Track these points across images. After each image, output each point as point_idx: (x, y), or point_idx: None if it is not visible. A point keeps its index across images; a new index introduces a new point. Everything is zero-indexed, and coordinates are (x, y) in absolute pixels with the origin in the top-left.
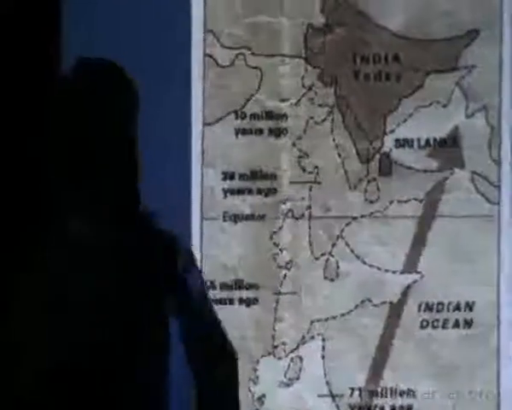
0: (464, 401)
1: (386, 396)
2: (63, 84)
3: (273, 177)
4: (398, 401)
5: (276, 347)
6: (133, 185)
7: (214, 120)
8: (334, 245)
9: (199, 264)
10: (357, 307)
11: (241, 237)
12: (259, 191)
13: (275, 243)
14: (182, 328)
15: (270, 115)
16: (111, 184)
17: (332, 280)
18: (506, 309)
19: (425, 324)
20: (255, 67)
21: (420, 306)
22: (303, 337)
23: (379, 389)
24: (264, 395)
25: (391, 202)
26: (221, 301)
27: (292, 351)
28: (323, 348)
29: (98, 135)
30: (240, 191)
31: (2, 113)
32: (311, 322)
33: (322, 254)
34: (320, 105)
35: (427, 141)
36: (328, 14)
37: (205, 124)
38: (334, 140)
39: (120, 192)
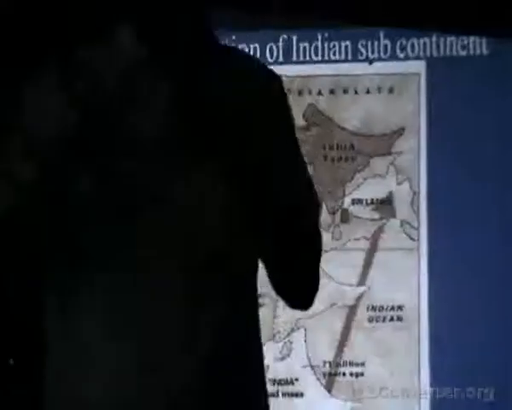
0: (398, 371)
1: (346, 366)
2: None
3: None
4: (354, 369)
5: (274, 335)
6: None
7: None
8: None
9: None
10: (327, 309)
11: None
12: None
13: None
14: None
15: None
16: None
17: None
18: (424, 310)
19: (371, 319)
20: None
21: (368, 307)
22: (292, 329)
23: (341, 362)
24: (267, 366)
25: (349, 240)
26: None
27: (285, 337)
28: (305, 335)
29: None
30: None
31: None
32: (297, 319)
33: None
34: None
35: (372, 200)
36: (306, 118)
37: None
38: None
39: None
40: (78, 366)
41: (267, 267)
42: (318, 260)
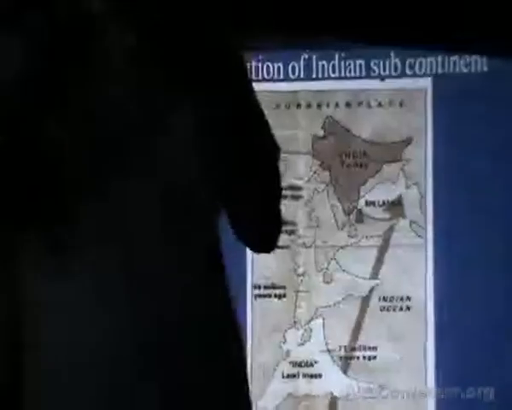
0: (406, 353)
1: (360, 350)
2: None
3: (294, 224)
4: (367, 353)
5: (295, 322)
6: None
7: None
8: (329, 263)
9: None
10: (343, 299)
11: (276, 258)
12: (285, 232)
13: (295, 262)
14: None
15: (291, 187)
16: None
17: (328, 283)
18: (429, 301)
19: (383, 308)
20: (283, 161)
21: (380, 298)
22: (311, 317)
23: (356, 346)
24: (289, 350)
25: (363, 238)
26: (264, 296)
27: (305, 325)
28: (323, 323)
29: None
30: None
31: None
32: (317, 308)
33: (322, 269)
34: (321, 182)
35: (383, 202)
36: (325, 129)
37: None
38: (329, 202)
39: None
40: (67, 323)
41: (228, 211)
42: (277, 202)
